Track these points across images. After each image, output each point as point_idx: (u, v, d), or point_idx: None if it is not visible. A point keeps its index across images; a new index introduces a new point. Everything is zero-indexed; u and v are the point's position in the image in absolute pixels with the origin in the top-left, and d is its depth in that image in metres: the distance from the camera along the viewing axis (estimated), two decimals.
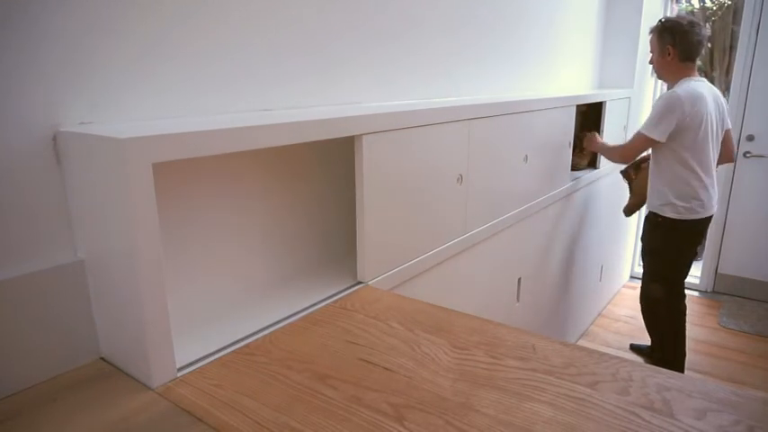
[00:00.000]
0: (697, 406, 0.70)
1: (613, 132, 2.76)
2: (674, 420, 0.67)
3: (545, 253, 2.22)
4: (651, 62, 2.33)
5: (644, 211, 3.71)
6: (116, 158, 0.67)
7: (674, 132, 2.10)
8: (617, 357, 0.82)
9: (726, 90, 3.45)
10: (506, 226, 1.75)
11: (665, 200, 2.22)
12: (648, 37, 2.32)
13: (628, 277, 3.87)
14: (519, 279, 1.98)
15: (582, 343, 2.94)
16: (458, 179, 1.41)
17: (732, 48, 3.27)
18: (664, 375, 0.77)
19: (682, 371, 2.50)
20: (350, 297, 1.07)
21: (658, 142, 2.13)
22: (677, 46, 2.16)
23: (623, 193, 3.30)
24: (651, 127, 2.13)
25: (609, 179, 2.93)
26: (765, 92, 3.14)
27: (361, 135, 1.06)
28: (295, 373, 0.79)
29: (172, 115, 0.90)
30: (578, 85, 2.72)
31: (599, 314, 3.30)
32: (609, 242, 3.20)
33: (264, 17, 1.02)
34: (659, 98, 2.17)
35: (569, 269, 2.58)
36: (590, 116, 2.64)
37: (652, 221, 2.32)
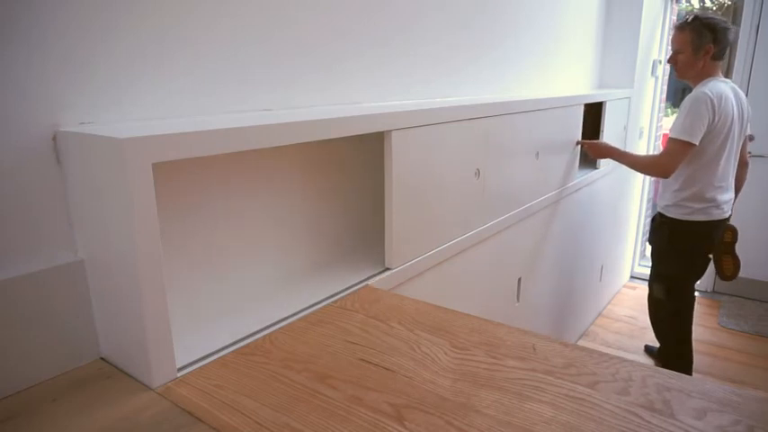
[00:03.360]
0: (697, 406, 0.70)
1: (613, 132, 2.76)
2: (674, 420, 0.67)
3: (545, 253, 2.22)
4: (671, 60, 2.17)
5: (644, 209, 3.68)
6: (116, 158, 0.67)
7: (704, 133, 2.01)
8: (617, 357, 0.82)
9: None
10: (506, 226, 1.75)
11: (675, 200, 2.17)
12: (674, 33, 2.16)
13: (628, 277, 3.87)
14: (519, 279, 1.98)
15: (582, 343, 2.94)
16: (475, 173, 1.50)
17: (732, 48, 3.27)
18: (664, 375, 0.77)
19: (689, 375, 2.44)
20: (350, 297, 1.07)
21: (695, 146, 2.01)
22: (717, 44, 2.05)
23: (623, 194, 3.31)
24: (686, 130, 1.99)
25: (609, 179, 2.93)
26: (765, 92, 3.14)
27: (390, 131, 1.13)
28: (295, 373, 0.79)
29: (172, 115, 0.90)
30: (578, 85, 2.72)
31: (599, 314, 3.30)
32: (609, 242, 3.20)
33: (265, 17, 1.02)
34: (687, 99, 2.05)
35: (569, 269, 2.58)
36: (590, 116, 2.64)
37: (657, 221, 2.29)
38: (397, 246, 1.23)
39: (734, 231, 2.21)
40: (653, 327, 2.52)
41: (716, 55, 2.08)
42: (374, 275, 1.19)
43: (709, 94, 1.99)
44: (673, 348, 2.42)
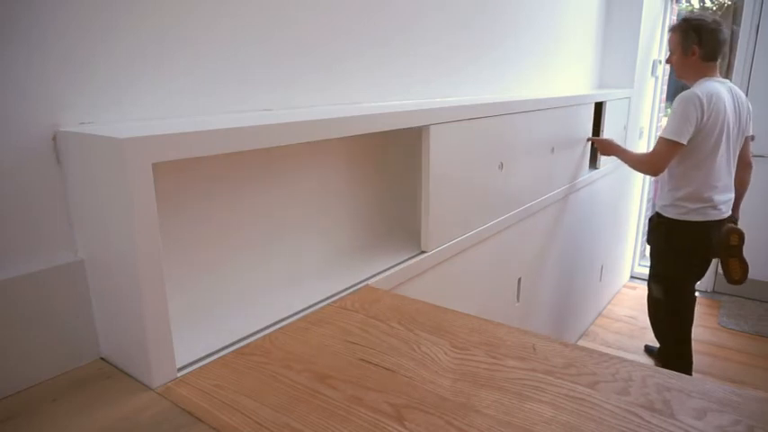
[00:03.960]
0: (697, 406, 0.70)
1: (613, 132, 2.76)
2: (674, 420, 0.67)
3: (545, 253, 2.22)
4: (669, 61, 2.23)
5: (644, 209, 3.67)
6: (116, 158, 0.67)
7: (693, 133, 2.04)
8: (617, 357, 0.82)
9: None
10: (507, 226, 1.75)
11: (671, 200, 2.18)
12: (668, 35, 2.22)
13: (628, 277, 3.87)
14: (519, 279, 1.98)
15: (582, 343, 2.94)
16: (499, 166, 1.64)
17: (732, 48, 3.27)
18: (664, 375, 0.77)
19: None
20: (350, 297, 1.07)
21: (683, 145, 2.04)
22: (703, 45, 2.07)
23: (623, 194, 3.31)
24: (674, 130, 2.03)
25: (609, 179, 2.93)
26: (765, 92, 3.14)
27: (428, 125, 1.25)
28: (295, 373, 0.79)
29: (172, 115, 0.90)
30: (578, 85, 2.72)
31: (599, 314, 3.30)
32: (609, 242, 3.20)
33: (265, 17, 1.02)
34: (677, 99, 2.08)
35: (569, 269, 2.58)
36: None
37: (654, 221, 2.31)
38: (433, 230, 1.35)
39: (740, 234, 2.21)
40: (652, 327, 2.52)
41: (705, 56, 2.09)
42: (411, 257, 1.30)
43: (698, 93, 2.01)
44: (672, 348, 2.42)
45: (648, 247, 2.43)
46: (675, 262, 2.27)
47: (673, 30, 2.17)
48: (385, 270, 1.21)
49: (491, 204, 1.63)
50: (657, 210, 2.28)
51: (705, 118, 2.02)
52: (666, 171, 2.17)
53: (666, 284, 2.32)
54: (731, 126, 2.10)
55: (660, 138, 2.09)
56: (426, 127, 1.26)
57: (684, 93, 2.06)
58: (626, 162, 2.32)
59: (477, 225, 1.57)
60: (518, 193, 1.80)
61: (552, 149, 2.03)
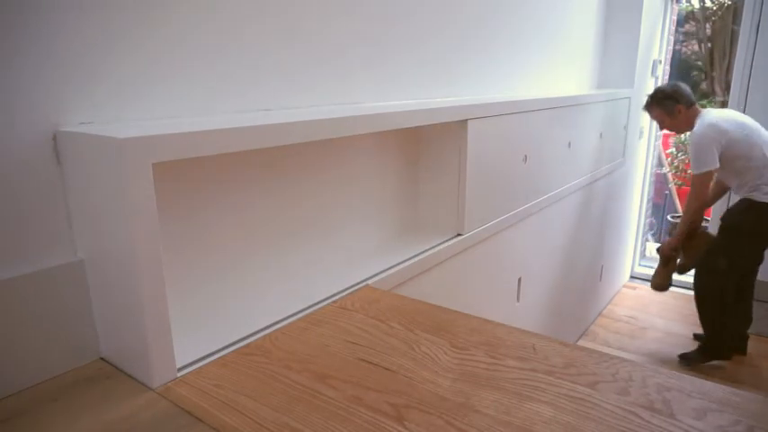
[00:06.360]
0: (697, 406, 0.70)
1: (613, 132, 2.76)
2: (674, 420, 0.67)
3: (545, 253, 2.22)
4: (663, 128, 2.64)
5: (644, 209, 3.67)
6: (115, 158, 0.67)
7: (722, 155, 2.32)
8: (617, 357, 0.82)
9: (726, 90, 3.42)
10: (507, 225, 1.76)
11: (751, 188, 2.35)
12: (644, 113, 2.64)
13: (628, 277, 3.87)
14: (519, 279, 1.98)
15: (582, 343, 2.93)
16: (523, 158, 1.80)
17: (732, 48, 3.27)
18: (664, 375, 0.77)
19: (735, 350, 2.67)
20: (350, 297, 1.07)
21: (715, 169, 2.33)
22: (681, 101, 2.45)
23: (624, 193, 3.31)
24: (700, 165, 2.34)
25: (609, 179, 2.93)
26: (765, 92, 3.14)
27: (466, 120, 1.40)
28: (295, 373, 0.79)
29: (172, 115, 0.90)
30: (579, 85, 2.72)
31: (599, 314, 3.30)
32: (609, 242, 3.20)
33: (264, 19, 1.02)
34: (689, 142, 2.42)
35: (569, 269, 2.58)
36: None
37: (745, 203, 2.41)
38: (469, 215, 1.49)
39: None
40: (699, 311, 2.61)
41: (688, 104, 2.47)
42: (448, 240, 1.43)
43: (704, 126, 2.36)
44: (719, 326, 2.59)
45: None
46: (756, 241, 2.44)
47: (648, 107, 2.57)
48: (387, 269, 1.22)
49: (519, 190, 1.81)
50: (745, 195, 2.38)
51: (723, 141, 2.31)
52: (731, 174, 2.40)
53: (732, 259, 2.45)
54: (750, 130, 2.35)
55: (693, 176, 2.39)
56: (464, 121, 1.40)
57: (693, 133, 2.38)
58: (688, 222, 2.53)
59: (508, 210, 1.74)
60: (540, 182, 1.97)
61: (569, 144, 2.20)
